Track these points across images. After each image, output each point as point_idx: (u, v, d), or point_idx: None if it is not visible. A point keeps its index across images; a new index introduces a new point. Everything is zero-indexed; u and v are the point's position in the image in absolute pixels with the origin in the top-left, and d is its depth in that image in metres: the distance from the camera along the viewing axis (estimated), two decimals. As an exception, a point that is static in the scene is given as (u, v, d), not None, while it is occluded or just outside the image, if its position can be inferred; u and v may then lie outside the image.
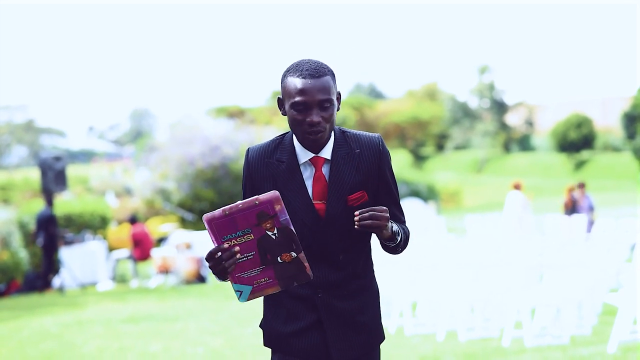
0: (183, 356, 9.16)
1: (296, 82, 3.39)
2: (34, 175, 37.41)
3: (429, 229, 21.34)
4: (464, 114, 64.88)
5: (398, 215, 3.62)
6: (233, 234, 3.23)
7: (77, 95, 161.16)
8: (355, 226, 3.32)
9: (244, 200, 3.21)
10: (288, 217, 3.23)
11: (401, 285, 9.92)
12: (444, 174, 58.14)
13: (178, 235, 18.97)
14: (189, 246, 17.81)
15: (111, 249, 21.50)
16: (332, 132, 3.53)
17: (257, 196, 3.20)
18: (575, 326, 9.40)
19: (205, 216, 3.23)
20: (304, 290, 3.52)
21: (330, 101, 3.40)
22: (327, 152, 3.49)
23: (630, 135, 46.31)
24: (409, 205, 27.59)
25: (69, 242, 18.55)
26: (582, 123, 54.59)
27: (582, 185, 20.10)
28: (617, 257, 10.89)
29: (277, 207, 3.20)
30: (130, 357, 9.27)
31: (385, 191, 3.58)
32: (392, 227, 3.42)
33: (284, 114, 3.48)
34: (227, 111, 52.76)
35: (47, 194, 17.65)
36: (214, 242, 3.25)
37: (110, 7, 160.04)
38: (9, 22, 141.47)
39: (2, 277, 17.77)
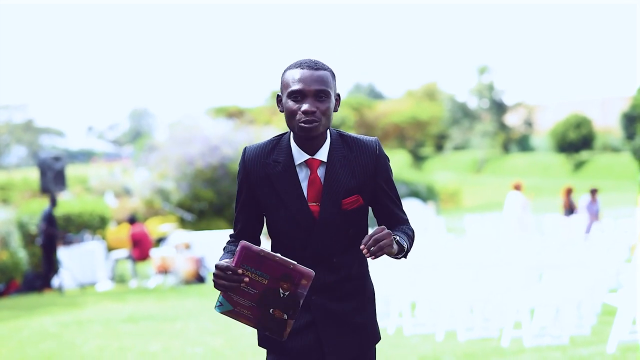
0: (183, 356, 9.16)
1: (294, 73, 3.44)
2: (33, 175, 37.37)
3: (429, 229, 21.37)
4: (463, 114, 64.88)
5: (400, 215, 3.63)
6: (252, 269, 3.32)
7: (76, 95, 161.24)
8: (369, 258, 3.32)
9: (282, 257, 3.29)
10: (305, 294, 3.31)
11: (400, 285, 9.92)
12: (443, 174, 58.14)
13: (177, 235, 18.97)
14: (188, 246, 17.81)
15: (110, 249, 21.48)
16: (329, 134, 3.53)
17: (295, 263, 3.28)
18: (574, 326, 9.41)
19: (244, 243, 3.31)
20: None
21: (327, 93, 3.42)
22: (322, 154, 3.50)
23: (630, 136, 46.33)
24: (408, 206, 27.60)
25: (68, 242, 18.54)
26: (581, 123, 54.59)
27: (594, 191, 20.10)
28: (616, 257, 10.89)
29: (304, 282, 3.29)
30: (130, 356, 9.27)
31: (384, 194, 3.58)
32: (398, 240, 3.43)
33: (281, 110, 3.51)
34: (226, 111, 52.73)
35: (49, 193, 17.65)
36: (232, 263, 3.32)
37: (109, 7, 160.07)
38: (9, 22, 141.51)
39: (1, 277, 17.76)
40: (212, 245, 19.41)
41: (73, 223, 20.40)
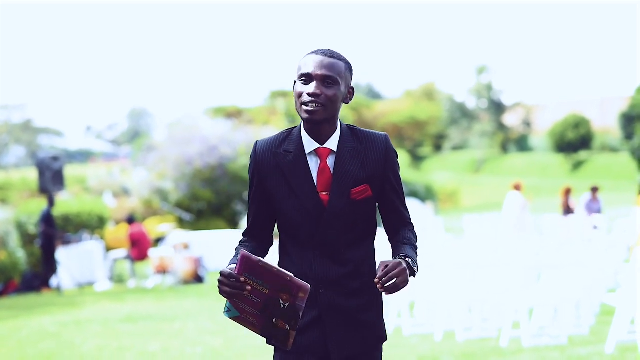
0: (182, 356, 9.16)
1: (308, 58, 3.51)
2: (32, 175, 37.36)
3: (427, 229, 21.35)
4: (462, 114, 64.89)
5: (405, 214, 3.66)
6: (254, 278, 3.35)
7: (74, 95, 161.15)
8: (384, 293, 3.37)
9: (281, 269, 3.33)
10: (304, 307, 3.34)
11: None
12: (442, 174, 58.14)
13: (176, 235, 18.97)
14: (186, 246, 17.81)
15: (109, 248, 21.48)
16: (340, 125, 3.57)
17: (292, 275, 3.31)
18: (573, 326, 9.41)
19: (244, 252, 3.35)
20: None
21: (335, 80, 3.46)
22: (332, 144, 3.53)
23: (628, 136, 46.29)
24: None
25: (66, 242, 18.53)
26: (579, 123, 54.59)
27: (595, 189, 20.11)
28: (615, 257, 10.90)
29: (301, 295, 3.32)
30: (128, 356, 9.27)
31: (392, 190, 3.61)
32: (410, 265, 3.46)
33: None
34: (225, 111, 52.67)
35: (47, 193, 17.64)
36: (235, 270, 3.36)
37: (108, 7, 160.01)
38: (7, 22, 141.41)
39: (0, 277, 17.76)
40: (211, 245, 19.42)
41: (71, 223, 20.40)
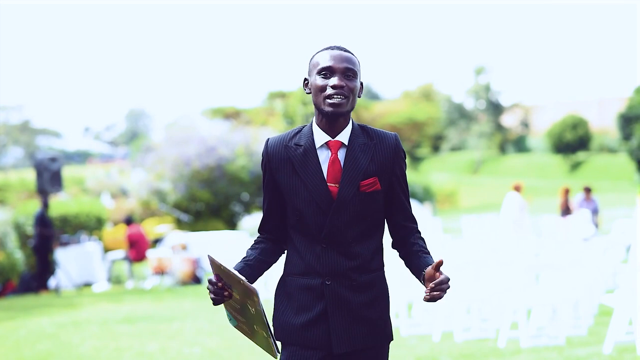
0: (179, 356, 9.16)
1: (324, 53, 3.58)
2: (30, 176, 37.40)
3: (425, 230, 21.33)
4: (460, 115, 64.91)
5: (410, 212, 3.72)
6: (228, 284, 3.48)
7: (73, 96, 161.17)
8: (426, 298, 3.44)
9: (236, 273, 3.42)
10: (263, 310, 3.40)
11: (397, 286, 9.92)
12: (440, 175, 58.18)
13: (174, 236, 18.99)
14: (184, 247, 17.81)
15: (107, 249, 21.48)
16: (351, 120, 3.63)
17: (244, 279, 3.39)
18: (571, 327, 9.41)
19: (209, 256, 3.48)
20: (313, 280, 3.57)
21: (354, 73, 3.57)
22: (344, 137, 3.59)
23: (626, 137, 46.32)
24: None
25: (64, 243, 18.53)
26: (577, 124, 54.64)
27: (588, 190, 20.11)
28: (613, 258, 10.90)
29: (255, 299, 3.38)
30: (126, 357, 9.26)
31: (399, 186, 3.66)
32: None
33: (308, 92, 3.62)
34: (223, 112, 52.73)
35: (42, 194, 17.64)
36: (214, 275, 3.51)
37: (106, 8, 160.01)
38: (5, 23, 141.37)
39: (-2, 277, 17.76)
40: (209, 246, 19.41)
41: (69, 224, 20.39)
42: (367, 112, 62.23)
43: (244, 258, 3.67)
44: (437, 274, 3.45)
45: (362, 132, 3.63)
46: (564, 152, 55.29)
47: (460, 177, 59.33)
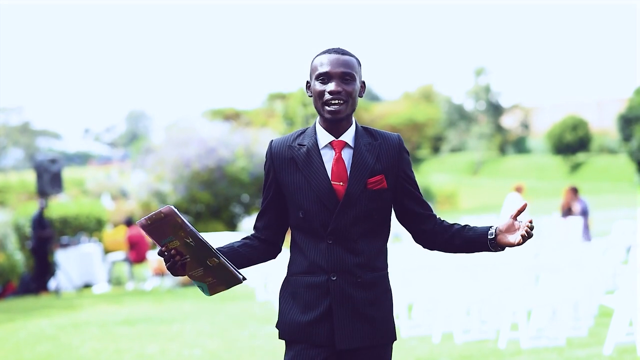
0: (179, 358, 9.15)
1: (322, 58, 3.62)
2: (30, 177, 37.41)
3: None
4: (460, 116, 64.90)
5: (427, 205, 3.77)
6: (166, 239, 3.41)
7: (72, 97, 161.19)
8: (523, 235, 3.54)
9: (156, 211, 3.37)
10: (192, 228, 3.37)
11: (397, 287, 9.92)
12: (440, 176, 58.18)
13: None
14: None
15: (107, 251, 21.48)
16: (354, 121, 3.67)
17: (160, 209, 3.36)
18: (571, 328, 9.41)
19: (137, 223, 3.40)
20: (319, 277, 3.58)
21: (352, 76, 3.59)
22: (347, 137, 3.63)
23: (626, 138, 46.34)
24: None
25: (64, 245, 18.53)
26: (577, 125, 54.63)
27: (574, 190, 20.10)
28: (613, 258, 10.90)
29: (178, 220, 3.35)
30: (126, 358, 9.25)
31: (413, 187, 3.71)
32: None
33: (310, 95, 3.66)
34: (222, 113, 52.75)
35: (41, 196, 17.64)
36: (157, 244, 3.46)
37: (106, 9, 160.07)
38: (5, 24, 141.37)
39: (-3, 279, 17.76)
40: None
41: (70, 225, 20.41)
42: (367, 113, 62.26)
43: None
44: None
45: (366, 133, 3.67)
46: (564, 153, 55.28)
47: (460, 178, 59.33)
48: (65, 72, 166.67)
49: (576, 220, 17.54)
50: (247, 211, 26.92)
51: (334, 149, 3.61)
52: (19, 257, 18.58)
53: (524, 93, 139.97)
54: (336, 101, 3.55)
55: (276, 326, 3.73)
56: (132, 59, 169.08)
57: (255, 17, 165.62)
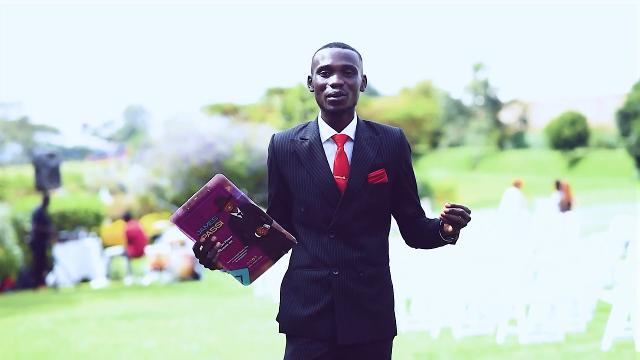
0: (178, 352, 9.15)
1: (323, 51, 3.63)
2: (28, 172, 37.36)
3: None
4: (458, 111, 64.83)
5: (419, 204, 3.76)
6: (204, 226, 3.32)
7: (71, 92, 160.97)
8: (441, 215, 3.48)
9: (197, 192, 3.31)
10: (243, 193, 3.33)
11: (396, 282, 9.91)
12: (438, 171, 58.17)
13: (172, 232, 18.95)
14: (183, 243, 17.80)
15: (105, 246, 21.48)
16: (355, 115, 3.68)
17: (205, 185, 3.30)
18: (569, 323, 9.41)
19: (172, 218, 3.33)
20: (321, 272, 3.59)
21: (353, 69, 3.60)
22: (350, 131, 3.64)
23: (625, 133, 46.35)
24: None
25: (63, 240, 18.52)
26: (576, 120, 54.57)
27: (557, 184, 20.18)
28: (611, 254, 10.90)
29: (228, 188, 3.29)
30: (124, 353, 9.25)
31: (406, 179, 3.70)
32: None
33: (312, 90, 3.67)
34: (221, 108, 52.70)
35: (42, 191, 17.63)
36: (191, 239, 3.36)
37: (104, 5, 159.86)
38: (3, 20, 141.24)
39: (-4, 274, 17.74)
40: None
41: (68, 220, 20.40)
42: (366, 109, 62.24)
43: None
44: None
45: (368, 127, 3.68)
46: (563, 148, 55.24)
47: (459, 173, 59.30)
48: (63, 67, 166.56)
49: (574, 216, 17.56)
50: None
51: (336, 143, 3.62)
52: (17, 252, 18.56)
53: (522, 88, 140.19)
54: (338, 94, 3.55)
55: (277, 319, 3.73)
56: (130, 54, 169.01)
57: (254, 12, 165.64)
